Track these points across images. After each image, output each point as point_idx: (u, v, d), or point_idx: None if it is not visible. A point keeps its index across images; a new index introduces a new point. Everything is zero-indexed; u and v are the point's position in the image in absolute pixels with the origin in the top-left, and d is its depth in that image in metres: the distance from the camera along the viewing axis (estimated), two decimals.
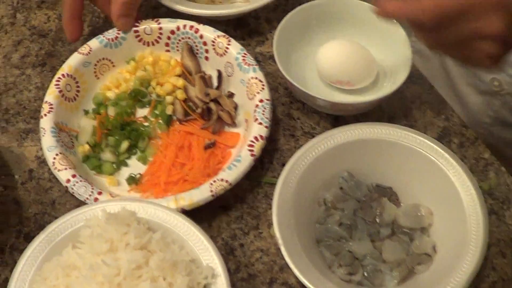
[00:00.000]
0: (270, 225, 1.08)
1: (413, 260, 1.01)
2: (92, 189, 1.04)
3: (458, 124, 1.18)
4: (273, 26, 1.30)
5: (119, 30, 1.22)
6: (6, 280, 1.02)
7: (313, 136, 1.13)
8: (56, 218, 1.05)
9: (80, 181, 1.05)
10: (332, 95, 1.18)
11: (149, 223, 0.97)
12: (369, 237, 1.03)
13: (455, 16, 0.91)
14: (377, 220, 1.04)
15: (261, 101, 1.12)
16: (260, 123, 1.10)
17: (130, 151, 1.16)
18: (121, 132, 1.15)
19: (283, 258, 0.98)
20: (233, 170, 1.05)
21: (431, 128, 1.17)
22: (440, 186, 1.03)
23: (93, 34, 1.29)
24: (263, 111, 1.11)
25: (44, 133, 1.10)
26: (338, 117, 1.18)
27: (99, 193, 1.04)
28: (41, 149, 1.10)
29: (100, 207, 0.98)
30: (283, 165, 1.08)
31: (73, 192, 1.04)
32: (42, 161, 1.15)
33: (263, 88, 1.14)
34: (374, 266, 1.00)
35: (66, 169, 1.06)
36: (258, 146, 1.08)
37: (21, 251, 1.01)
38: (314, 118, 1.19)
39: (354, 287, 1.00)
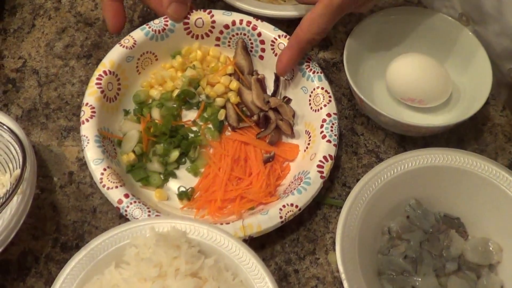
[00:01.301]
0: (327, 250, 1.00)
1: None
2: (149, 212, 0.95)
3: None
4: (337, 30, 1.22)
5: (170, 19, 1.12)
6: None
7: (377, 155, 1.06)
8: (96, 227, 1.00)
9: (134, 201, 0.96)
10: (400, 112, 1.11)
11: (201, 246, 0.89)
12: (434, 272, 0.96)
13: None
14: (444, 253, 0.97)
15: (328, 115, 1.04)
16: (329, 141, 1.02)
17: (179, 160, 1.07)
18: (170, 139, 1.07)
19: None
20: (303, 194, 0.98)
21: (502, 154, 1.10)
22: None
23: (143, 25, 1.20)
24: (331, 127, 1.03)
25: (88, 143, 1.00)
26: (405, 136, 1.10)
27: (157, 216, 0.95)
28: (83, 149, 1.01)
29: (148, 224, 0.90)
30: (344, 185, 1.02)
31: (126, 215, 0.96)
32: (84, 164, 1.07)
33: (330, 101, 1.06)
34: None
35: (117, 187, 0.97)
36: (327, 166, 1.00)
37: (56, 262, 0.96)
38: (379, 135, 1.11)
39: None
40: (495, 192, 0.96)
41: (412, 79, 1.06)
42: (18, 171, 0.94)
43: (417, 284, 0.94)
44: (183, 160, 1.08)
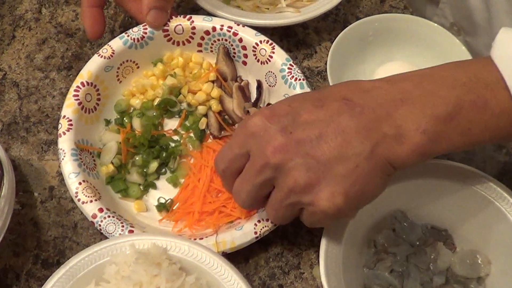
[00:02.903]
0: (312, 265, 0.99)
1: None
2: (123, 226, 0.94)
3: None
4: (322, 37, 1.20)
5: (149, 26, 1.10)
6: None
7: None
8: (77, 243, 0.99)
9: (108, 216, 0.95)
10: None
11: (182, 262, 0.87)
12: (421, 286, 0.94)
13: None
14: (431, 267, 0.96)
15: None
16: None
17: (159, 170, 1.06)
18: (150, 150, 1.05)
19: None
20: None
21: (490, 163, 1.08)
22: (501, 232, 0.94)
23: None
24: None
25: (64, 156, 0.99)
26: None
27: (131, 232, 0.94)
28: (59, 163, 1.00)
29: (128, 241, 0.88)
30: None
31: (100, 230, 0.94)
32: None
33: None
34: None
35: (91, 201, 0.96)
36: None
37: (37, 279, 0.95)
38: None
39: None
40: (482, 203, 0.95)
41: None
42: None
43: None
44: (163, 170, 1.06)
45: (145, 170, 1.04)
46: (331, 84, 1.03)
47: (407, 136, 0.79)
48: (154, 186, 1.05)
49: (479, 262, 0.95)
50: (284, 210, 0.86)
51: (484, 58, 0.84)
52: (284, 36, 1.21)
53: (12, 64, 1.18)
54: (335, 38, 1.09)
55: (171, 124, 1.11)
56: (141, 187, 1.04)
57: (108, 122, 1.09)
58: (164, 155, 1.05)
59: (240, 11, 1.17)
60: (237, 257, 0.92)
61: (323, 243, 0.90)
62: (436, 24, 1.10)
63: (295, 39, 1.22)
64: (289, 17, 1.15)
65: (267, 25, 1.15)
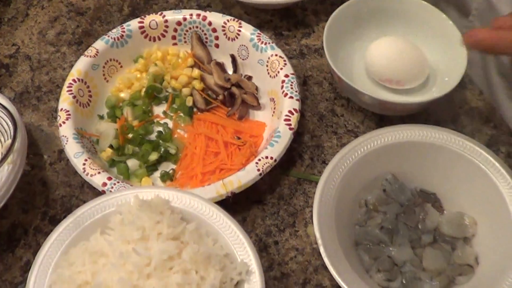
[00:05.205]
0: (307, 223, 1.03)
1: (454, 270, 0.97)
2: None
3: (506, 133, 1.13)
4: (320, 18, 1.26)
5: None
6: (28, 263, 1.00)
7: (357, 135, 1.09)
8: (84, 201, 1.03)
9: (118, 182, 1.00)
10: (379, 93, 1.14)
11: (183, 213, 0.92)
12: (410, 243, 0.98)
13: None
14: (419, 226, 1.00)
15: (286, 76, 1.11)
16: (291, 97, 1.08)
17: (160, 161, 1.12)
18: (149, 144, 1.11)
19: (318, 259, 0.94)
20: (275, 146, 1.03)
21: (478, 135, 1.12)
22: (487, 195, 0.98)
23: (133, 15, 1.26)
24: (291, 85, 1.10)
25: (67, 141, 1.05)
26: (383, 117, 1.14)
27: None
28: (63, 148, 1.05)
29: (132, 193, 0.93)
30: (324, 162, 1.05)
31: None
32: None
33: (285, 64, 1.12)
34: (414, 274, 0.96)
35: (99, 173, 1.01)
36: (294, 119, 1.06)
37: (45, 234, 0.99)
38: (359, 116, 1.14)
39: None
40: (470, 167, 0.99)
41: (389, 60, 1.10)
42: (9, 141, 0.98)
43: (393, 253, 0.97)
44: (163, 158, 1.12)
45: (144, 158, 1.10)
46: (328, 58, 1.08)
47: None
48: (156, 169, 1.11)
49: (466, 223, 0.99)
50: None
51: None
52: (284, 17, 1.27)
53: (25, 39, 1.24)
54: None
55: (159, 110, 1.17)
56: (145, 170, 1.09)
57: (101, 117, 1.15)
58: (162, 150, 1.11)
59: None
60: (235, 216, 0.96)
61: (316, 203, 0.95)
62: (426, 2, 1.15)
63: (295, 19, 1.27)
64: None
65: (268, 3, 1.21)
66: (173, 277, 0.84)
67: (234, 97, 1.14)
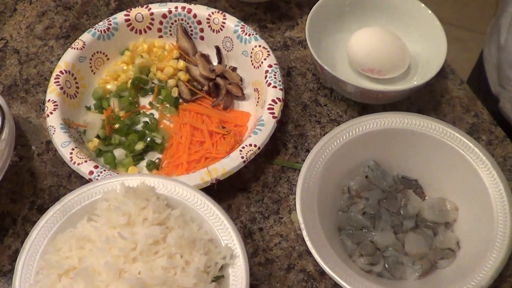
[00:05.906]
0: (291, 210, 1.05)
1: (436, 254, 0.98)
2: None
3: (487, 122, 1.15)
4: (303, 11, 1.28)
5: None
6: (16, 252, 1.01)
7: (339, 124, 1.10)
8: (71, 191, 1.03)
9: (104, 170, 1.02)
10: (361, 83, 1.15)
11: (168, 200, 0.94)
12: (392, 229, 1.00)
13: None
14: (401, 211, 1.02)
15: (270, 66, 1.13)
16: (275, 87, 1.10)
17: (146, 150, 1.13)
18: (135, 134, 1.13)
19: (302, 245, 0.95)
20: (259, 134, 1.05)
21: (459, 124, 1.14)
22: (468, 181, 1.00)
23: (119, 9, 1.27)
24: (274, 75, 1.12)
25: (54, 131, 1.06)
26: (366, 106, 1.16)
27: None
28: (51, 138, 1.07)
29: (118, 181, 0.95)
30: (308, 151, 1.07)
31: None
32: None
33: (269, 54, 1.14)
34: (396, 258, 0.98)
35: (86, 161, 1.03)
36: (277, 108, 1.08)
37: (33, 223, 0.99)
38: (342, 105, 1.16)
39: (374, 278, 0.96)
40: (451, 154, 1.00)
41: (371, 50, 1.12)
42: None
43: (375, 238, 0.98)
44: (149, 148, 1.13)
45: (131, 148, 1.11)
46: (311, 49, 1.10)
47: None
48: (142, 158, 1.13)
49: (448, 208, 1.01)
50: None
51: None
52: (268, 10, 1.29)
53: (14, 33, 1.26)
54: None
55: (145, 101, 1.19)
56: (131, 158, 1.11)
57: (88, 108, 1.17)
58: (148, 140, 1.12)
59: None
60: (221, 203, 0.96)
61: (299, 190, 0.96)
62: None
63: (278, 12, 1.29)
64: None
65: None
66: (159, 261, 0.85)
67: (219, 87, 1.16)
